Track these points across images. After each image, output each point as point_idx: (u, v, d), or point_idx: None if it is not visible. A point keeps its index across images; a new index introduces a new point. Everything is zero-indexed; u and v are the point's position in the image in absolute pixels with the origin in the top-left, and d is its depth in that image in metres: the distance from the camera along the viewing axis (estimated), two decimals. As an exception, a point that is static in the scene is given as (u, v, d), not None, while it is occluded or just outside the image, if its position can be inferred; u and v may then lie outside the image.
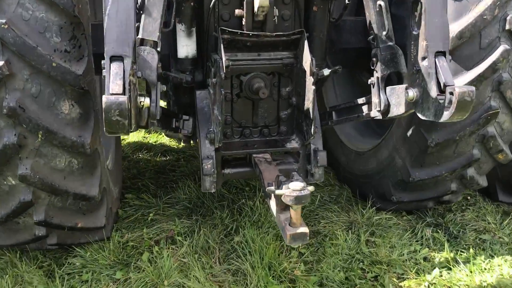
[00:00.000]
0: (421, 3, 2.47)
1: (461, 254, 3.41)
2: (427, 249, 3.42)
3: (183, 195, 4.04)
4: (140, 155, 5.05)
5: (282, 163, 3.30)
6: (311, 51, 2.94)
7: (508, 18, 2.79)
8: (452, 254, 3.38)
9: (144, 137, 5.49)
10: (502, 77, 2.89)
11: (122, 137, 5.32)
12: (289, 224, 2.51)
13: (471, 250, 3.44)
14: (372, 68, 2.91)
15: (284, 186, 2.49)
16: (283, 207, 2.59)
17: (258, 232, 3.42)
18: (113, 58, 2.19)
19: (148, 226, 3.62)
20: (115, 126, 2.07)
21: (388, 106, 2.77)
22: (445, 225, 3.73)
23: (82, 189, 2.74)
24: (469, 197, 4.15)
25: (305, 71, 2.95)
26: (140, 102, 2.31)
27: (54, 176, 2.61)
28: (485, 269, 3.26)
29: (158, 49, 2.50)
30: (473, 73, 2.84)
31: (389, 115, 2.80)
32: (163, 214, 3.79)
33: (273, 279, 3.03)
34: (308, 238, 2.49)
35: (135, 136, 5.51)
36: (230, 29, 2.85)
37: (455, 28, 2.77)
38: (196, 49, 3.17)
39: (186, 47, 3.15)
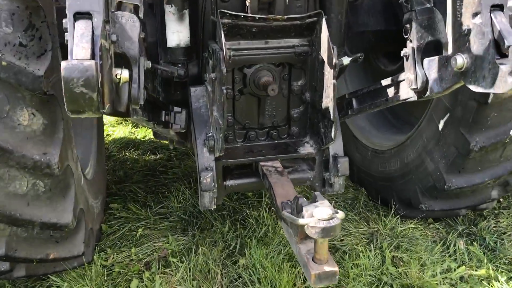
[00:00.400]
0: None
1: (502, 271, 2.94)
2: (463, 267, 2.93)
3: (177, 203, 3.51)
4: (127, 154, 4.50)
5: (295, 171, 2.78)
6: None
7: None
8: (491, 272, 2.91)
9: (131, 133, 4.93)
10: None
11: (105, 133, 4.76)
12: (312, 260, 1.99)
13: (513, 266, 2.97)
14: (405, 36, 2.37)
15: (305, 212, 1.97)
16: (304, 236, 2.07)
17: (267, 252, 2.91)
18: (78, 16, 1.64)
19: (137, 245, 3.09)
20: (80, 101, 1.53)
21: (426, 82, 2.24)
22: (480, 235, 3.24)
23: (51, 217, 2.20)
24: (501, 199, 3.66)
25: (323, 62, 2.42)
26: (116, 74, 1.77)
27: (14, 203, 2.07)
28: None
29: (141, 15, 1.98)
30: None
31: (428, 94, 2.26)
32: (154, 229, 3.26)
33: (288, 314, 2.54)
34: (337, 277, 1.97)
35: (121, 131, 4.95)
36: (231, 12, 2.29)
37: None
38: (189, 37, 2.60)
39: (177, 33, 2.58)
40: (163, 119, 2.66)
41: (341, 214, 1.94)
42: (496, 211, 3.53)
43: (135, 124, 5.09)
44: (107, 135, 4.86)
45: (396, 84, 2.50)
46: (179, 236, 3.15)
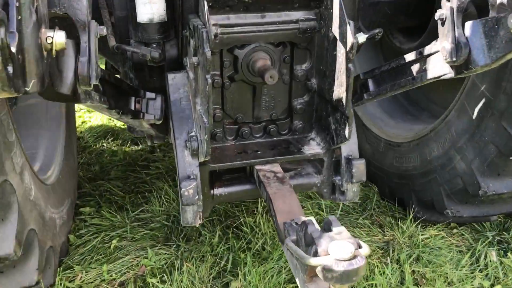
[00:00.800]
0: None
1: (544, 289, 2.48)
2: (499, 286, 2.47)
3: (159, 206, 3.01)
4: (105, 144, 3.97)
5: (298, 175, 2.29)
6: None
7: None
8: (532, 290, 2.45)
9: (110, 119, 4.39)
10: None
11: (80, 120, 4.23)
12: (325, 307, 1.51)
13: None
14: None
15: (318, 246, 1.47)
16: (315, 274, 1.57)
17: (264, 270, 2.43)
18: None
19: (110, 260, 2.60)
20: None
21: (469, 52, 1.71)
22: (513, 243, 2.77)
23: (-16, 247, 1.69)
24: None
25: (334, 41, 1.91)
26: (47, 38, 1.25)
27: None
28: None
29: None
30: None
31: (470, 68, 1.74)
32: (132, 239, 2.77)
33: None
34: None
35: (99, 118, 4.41)
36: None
37: None
38: (165, 9, 2.06)
39: (149, 5, 2.04)
40: (133, 107, 2.14)
41: (365, 250, 1.44)
42: (528, 212, 3.05)
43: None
44: (82, 122, 4.33)
45: (425, 58, 1.97)
46: (160, 249, 2.66)
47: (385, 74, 2.18)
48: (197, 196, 1.96)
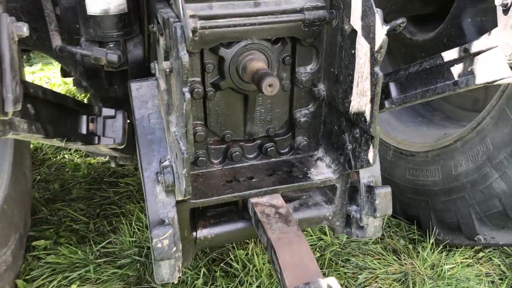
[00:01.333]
0: None
1: None
2: (546, 328, 2.05)
3: (129, 236, 2.50)
4: (66, 156, 3.43)
5: (304, 206, 1.81)
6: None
7: None
8: None
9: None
10: None
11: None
12: None
13: None
14: None
15: None
16: None
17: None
18: None
19: (68, 311, 2.10)
20: None
21: None
22: (552, 269, 2.36)
23: None
24: None
25: (353, 35, 1.43)
26: None
27: None
28: None
29: None
30: None
31: None
32: (97, 281, 2.26)
33: None
34: None
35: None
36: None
37: None
38: (125, -4, 1.54)
39: (103, -7, 1.51)
40: (84, 130, 1.62)
41: None
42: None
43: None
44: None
45: (473, 56, 1.51)
46: (132, 295, 2.16)
47: (414, 76, 1.71)
48: (174, 248, 1.47)
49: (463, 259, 2.39)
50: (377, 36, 1.31)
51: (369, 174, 1.68)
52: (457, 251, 2.43)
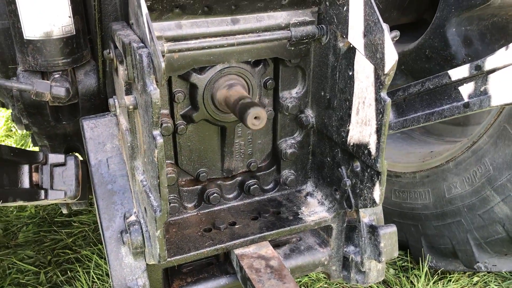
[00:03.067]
0: None
1: None
2: None
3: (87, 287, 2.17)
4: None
5: (295, 252, 1.56)
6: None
7: None
8: None
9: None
10: None
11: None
12: None
13: None
14: None
15: None
16: None
17: None
18: None
19: None
20: None
21: None
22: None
23: None
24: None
25: (350, 54, 1.20)
26: None
27: None
28: None
29: None
30: None
31: None
32: None
33: None
34: None
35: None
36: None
37: None
38: (71, 14, 1.25)
39: (43, 10, 1.21)
40: (27, 184, 1.31)
41: None
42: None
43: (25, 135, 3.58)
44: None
45: (485, 74, 1.32)
46: None
47: (414, 98, 1.51)
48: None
49: (455, 283, 2.20)
50: (387, 56, 1.09)
51: (371, 212, 1.46)
52: (451, 277, 2.25)
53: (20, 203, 1.21)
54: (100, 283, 2.20)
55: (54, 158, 1.30)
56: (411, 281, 2.23)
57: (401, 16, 2.30)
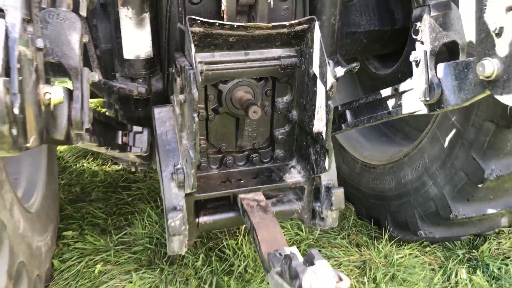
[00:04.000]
0: None
1: (510, 305, 2.63)
2: (468, 303, 2.61)
3: (141, 229, 3.06)
4: (85, 164, 3.99)
5: (280, 202, 2.37)
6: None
7: None
8: (500, 307, 2.60)
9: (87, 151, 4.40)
10: None
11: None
12: None
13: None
14: (414, 37, 1.96)
15: (302, 280, 1.56)
16: (298, 305, 1.66)
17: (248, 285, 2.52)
18: None
19: (95, 284, 2.65)
20: None
21: (441, 93, 1.86)
22: (482, 261, 2.92)
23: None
24: None
25: (314, 77, 2.00)
26: (45, 94, 1.32)
27: None
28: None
29: (82, 12, 1.60)
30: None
31: (442, 107, 1.89)
32: (116, 263, 2.81)
33: None
34: None
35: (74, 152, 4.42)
36: (203, 19, 1.83)
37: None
38: (151, 46, 2.13)
39: (136, 42, 2.10)
40: (120, 141, 2.21)
41: (346, 283, 1.54)
42: (496, 230, 3.21)
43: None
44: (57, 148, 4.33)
45: (400, 94, 2.11)
46: (145, 273, 2.71)
47: (362, 107, 2.31)
48: (183, 226, 2.03)
49: (410, 251, 2.95)
50: (328, 80, 1.90)
51: (328, 178, 2.26)
52: (407, 246, 3.00)
53: (116, 152, 2.09)
54: (150, 227, 3.08)
55: (136, 128, 2.19)
56: (377, 246, 2.99)
57: (382, 48, 3.06)
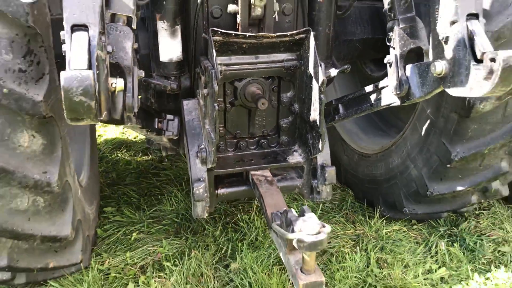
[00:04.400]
0: None
1: (480, 272, 3.10)
2: (443, 268, 3.09)
3: (169, 206, 3.62)
4: (119, 155, 4.58)
5: (284, 179, 2.90)
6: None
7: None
8: (470, 273, 3.06)
9: (123, 133, 5.00)
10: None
11: (97, 133, 4.82)
12: (301, 270, 2.12)
13: (491, 266, 3.13)
14: (388, 44, 2.48)
15: (294, 226, 2.09)
16: (293, 248, 2.18)
17: (257, 255, 3.03)
18: (75, 28, 1.74)
19: (131, 249, 3.20)
20: (79, 109, 1.62)
21: (408, 88, 2.38)
22: (460, 236, 3.39)
23: (51, 230, 2.30)
24: (482, 200, 3.81)
25: (311, 76, 2.51)
26: (112, 84, 1.87)
27: (15, 218, 2.16)
28: (510, 289, 2.96)
29: (134, 26, 2.09)
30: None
31: (410, 99, 2.41)
32: (148, 232, 3.37)
33: (277, 317, 2.67)
34: (324, 287, 2.10)
35: (113, 132, 5.02)
36: (222, 30, 2.37)
37: (492, 27, 2.34)
38: (181, 51, 2.69)
39: (169, 48, 2.66)
40: (156, 126, 2.76)
41: (327, 229, 2.06)
42: (477, 212, 3.68)
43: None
44: (98, 135, 4.93)
45: (379, 90, 2.62)
46: (172, 240, 3.26)
47: (351, 101, 2.82)
48: (206, 194, 2.57)
49: (399, 227, 3.44)
50: (320, 78, 2.42)
51: (323, 159, 2.76)
52: (396, 223, 3.49)
53: (153, 134, 2.64)
54: (176, 205, 3.63)
55: (169, 116, 2.75)
56: (369, 223, 3.49)
57: (376, 53, 3.56)
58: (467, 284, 2.99)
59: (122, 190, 3.89)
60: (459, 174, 2.88)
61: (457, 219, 3.58)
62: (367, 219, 3.52)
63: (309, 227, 2.02)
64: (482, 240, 3.37)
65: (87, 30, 1.71)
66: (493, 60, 1.84)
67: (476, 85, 1.93)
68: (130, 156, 4.54)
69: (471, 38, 1.96)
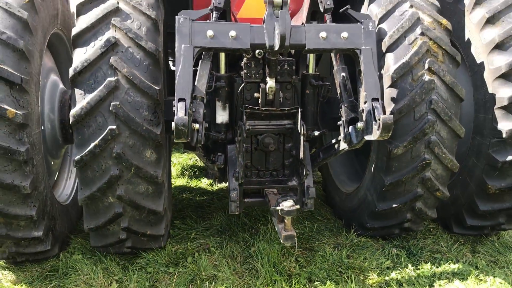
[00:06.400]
0: (360, 70, 3.99)
1: (416, 266, 4.72)
2: (389, 261, 4.74)
3: (216, 222, 5.51)
4: (184, 195, 6.58)
5: (285, 196, 4.75)
6: (306, 120, 4.52)
7: (432, 100, 4.25)
8: (409, 265, 4.69)
9: (187, 182, 7.05)
10: (430, 139, 4.32)
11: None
12: (283, 229, 3.96)
13: (424, 264, 4.75)
14: (339, 115, 4.37)
15: (281, 205, 3.96)
16: (281, 219, 4.04)
17: (269, 244, 4.84)
18: (179, 100, 3.71)
19: (191, 241, 5.07)
20: (181, 133, 3.53)
21: (350, 138, 4.23)
22: (408, 247, 5.04)
23: (153, 206, 4.25)
24: (432, 229, 5.46)
25: (299, 133, 4.47)
26: (193, 125, 3.80)
27: (137, 197, 4.15)
28: (433, 274, 4.55)
29: (204, 102, 4.03)
30: (409, 135, 4.30)
31: (352, 145, 4.25)
32: (202, 234, 5.25)
33: (276, 273, 4.41)
34: (296, 239, 3.91)
35: (180, 181, 7.07)
36: (250, 106, 4.43)
37: (396, 107, 4.25)
38: (228, 117, 4.75)
39: (221, 116, 4.73)
40: (211, 158, 4.75)
41: (297, 206, 3.92)
42: (425, 236, 5.31)
43: (191, 176, 7.22)
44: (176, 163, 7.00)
45: (338, 141, 4.51)
46: (217, 238, 5.12)
47: (325, 149, 4.75)
48: (237, 198, 4.45)
49: (366, 240, 5.14)
50: (303, 134, 4.37)
51: (308, 182, 4.57)
52: (364, 237, 5.20)
53: (209, 162, 4.64)
54: (220, 221, 5.51)
55: (218, 153, 4.75)
56: (346, 235, 5.21)
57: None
58: (404, 272, 4.62)
59: (186, 213, 5.84)
60: (393, 196, 4.63)
61: (410, 239, 5.23)
62: (345, 234, 5.25)
63: (286, 203, 3.90)
64: (423, 250, 4.99)
65: (184, 101, 3.77)
66: (379, 119, 3.76)
67: (375, 133, 3.82)
68: (192, 196, 6.51)
69: (373, 110, 3.88)
